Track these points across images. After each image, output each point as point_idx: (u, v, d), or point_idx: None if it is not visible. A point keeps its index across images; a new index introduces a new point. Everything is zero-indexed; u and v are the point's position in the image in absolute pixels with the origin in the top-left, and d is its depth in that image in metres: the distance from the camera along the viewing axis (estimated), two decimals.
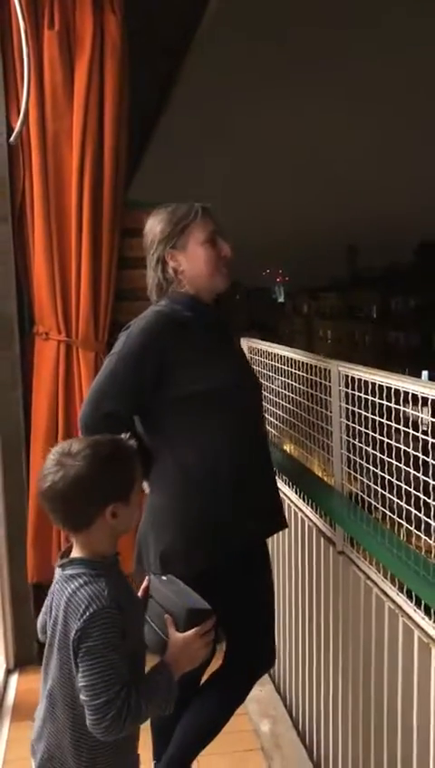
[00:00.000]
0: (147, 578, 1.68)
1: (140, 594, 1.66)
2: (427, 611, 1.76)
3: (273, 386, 2.96)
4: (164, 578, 1.66)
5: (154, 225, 2.06)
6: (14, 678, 3.11)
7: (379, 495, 1.99)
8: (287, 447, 2.88)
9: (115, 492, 1.47)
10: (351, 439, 2.19)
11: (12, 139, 2.73)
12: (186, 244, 2.03)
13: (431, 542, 1.74)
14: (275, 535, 2.89)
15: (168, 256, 2.04)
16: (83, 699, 1.39)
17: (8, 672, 3.15)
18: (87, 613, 1.38)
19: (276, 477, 2.23)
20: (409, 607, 1.85)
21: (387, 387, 1.89)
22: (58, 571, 1.51)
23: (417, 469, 1.78)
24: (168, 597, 1.58)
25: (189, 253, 2.04)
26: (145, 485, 2.03)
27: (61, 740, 1.48)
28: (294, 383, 2.65)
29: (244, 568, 2.06)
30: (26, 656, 3.16)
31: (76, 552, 1.51)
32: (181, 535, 1.96)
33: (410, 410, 1.83)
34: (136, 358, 1.95)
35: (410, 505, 1.82)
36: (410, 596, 1.85)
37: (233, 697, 2.16)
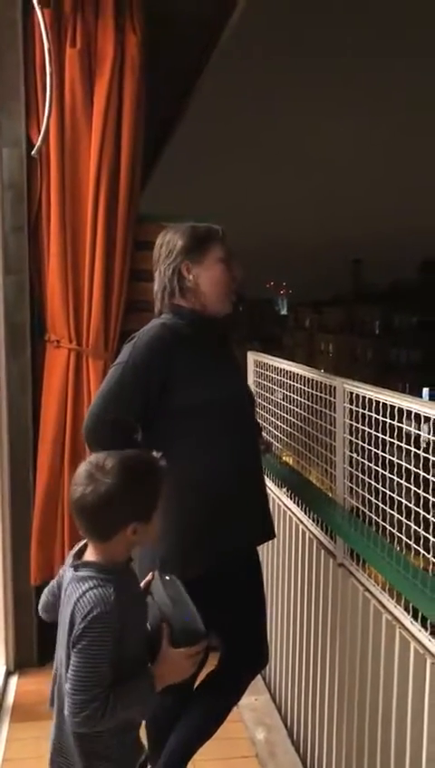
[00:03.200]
0: (151, 574, 1.73)
1: (142, 585, 1.72)
2: (423, 623, 1.81)
3: (278, 399, 3.02)
4: (167, 578, 1.70)
5: (175, 238, 2.15)
6: (13, 680, 3.15)
7: (379, 510, 2.05)
8: (290, 460, 2.94)
9: (138, 513, 1.55)
10: (354, 455, 2.25)
11: (33, 152, 2.81)
12: (203, 259, 2.13)
13: (430, 556, 1.79)
14: (277, 547, 2.96)
15: (184, 268, 2.12)
16: (66, 689, 1.48)
17: (8, 674, 3.19)
18: (90, 615, 1.46)
19: (266, 487, 2.31)
20: (406, 619, 1.90)
21: (391, 405, 1.96)
22: (70, 571, 1.57)
23: (417, 485, 1.84)
24: (166, 603, 1.62)
25: (206, 268, 2.13)
26: None
27: (65, 729, 1.55)
28: (299, 398, 2.71)
29: (239, 572, 2.14)
30: (26, 658, 3.21)
31: (90, 555, 1.58)
32: (179, 540, 2.02)
33: (412, 428, 1.89)
34: (143, 367, 2.03)
35: (409, 520, 1.88)
36: (407, 608, 1.90)
37: (229, 699, 2.24)
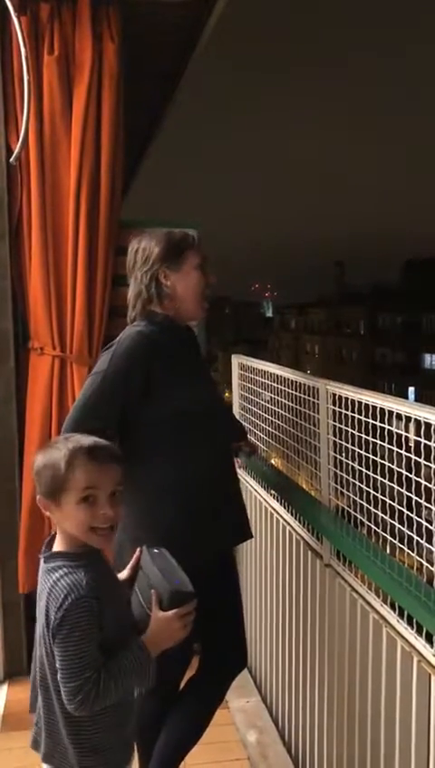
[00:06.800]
0: (139, 549, 1.75)
1: (131, 564, 1.75)
2: (410, 622, 1.83)
3: (262, 402, 3.04)
4: (156, 551, 1.72)
5: (152, 244, 2.15)
6: (3, 689, 3.14)
7: (365, 510, 2.07)
8: (275, 462, 2.95)
9: (42, 485, 1.57)
10: (338, 455, 2.27)
11: (12, 159, 2.81)
12: (180, 266, 2.14)
13: (414, 555, 1.81)
14: (265, 548, 2.97)
15: (161, 275, 2.13)
16: (59, 679, 1.49)
17: None
18: (66, 603, 1.47)
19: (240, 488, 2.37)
20: (392, 617, 1.92)
21: (373, 406, 1.97)
22: (41, 564, 1.60)
23: (401, 485, 1.86)
24: (155, 573, 1.65)
25: (183, 275, 2.14)
26: None
27: (56, 722, 1.56)
28: (283, 400, 2.73)
29: (216, 574, 2.16)
30: (16, 666, 3.19)
31: (56, 542, 1.60)
32: (158, 544, 2.02)
33: (394, 428, 1.91)
34: (121, 376, 2.03)
35: (394, 520, 1.90)
36: (393, 607, 1.92)
37: (211, 701, 2.24)
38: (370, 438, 2.02)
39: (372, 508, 2.02)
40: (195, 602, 1.61)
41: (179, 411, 2.07)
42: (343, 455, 2.22)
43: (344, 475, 2.22)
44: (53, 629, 1.48)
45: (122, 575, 1.75)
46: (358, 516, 2.12)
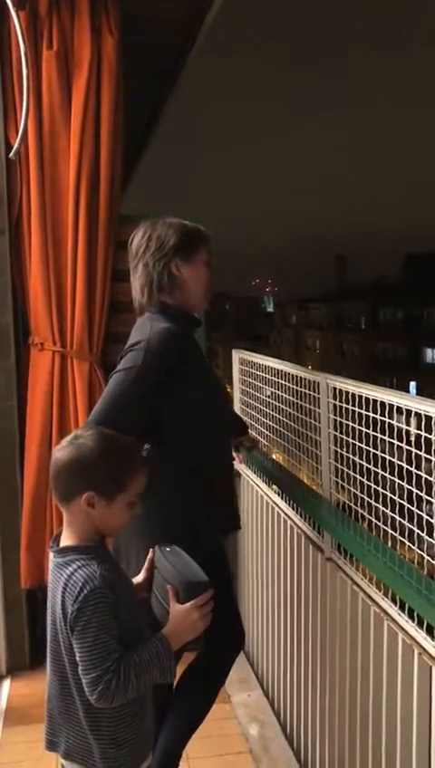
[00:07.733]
0: (151, 550, 1.75)
1: (145, 567, 1.76)
2: (410, 615, 1.83)
3: (263, 396, 3.04)
4: (168, 549, 1.73)
5: (168, 233, 2.13)
6: (6, 684, 3.15)
7: (365, 504, 2.07)
8: (276, 456, 2.95)
9: (98, 482, 1.55)
10: (339, 449, 2.27)
11: (11, 154, 2.80)
12: (194, 259, 2.15)
13: (415, 548, 1.81)
14: (266, 542, 2.97)
15: (173, 266, 2.12)
16: (80, 672, 1.50)
17: (0, 677, 3.19)
18: (82, 594, 1.49)
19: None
20: (393, 611, 1.92)
21: (374, 399, 1.97)
22: (52, 558, 1.60)
23: (402, 478, 1.86)
24: (169, 569, 1.66)
25: (195, 268, 2.15)
26: None
27: (77, 717, 1.57)
28: (284, 394, 2.73)
29: (213, 561, 2.15)
30: (18, 661, 3.20)
31: (65, 539, 1.60)
32: (166, 534, 2.03)
33: (395, 422, 1.91)
34: (154, 373, 2.01)
35: (395, 513, 1.90)
36: (394, 600, 1.92)
37: (214, 683, 2.28)
38: (371, 432, 2.01)
39: (372, 502, 2.02)
40: (211, 592, 1.62)
41: (200, 402, 2.09)
42: (344, 449, 2.22)
43: (345, 468, 2.22)
44: (70, 622, 1.49)
45: (139, 578, 1.76)
46: (359, 510, 2.12)
